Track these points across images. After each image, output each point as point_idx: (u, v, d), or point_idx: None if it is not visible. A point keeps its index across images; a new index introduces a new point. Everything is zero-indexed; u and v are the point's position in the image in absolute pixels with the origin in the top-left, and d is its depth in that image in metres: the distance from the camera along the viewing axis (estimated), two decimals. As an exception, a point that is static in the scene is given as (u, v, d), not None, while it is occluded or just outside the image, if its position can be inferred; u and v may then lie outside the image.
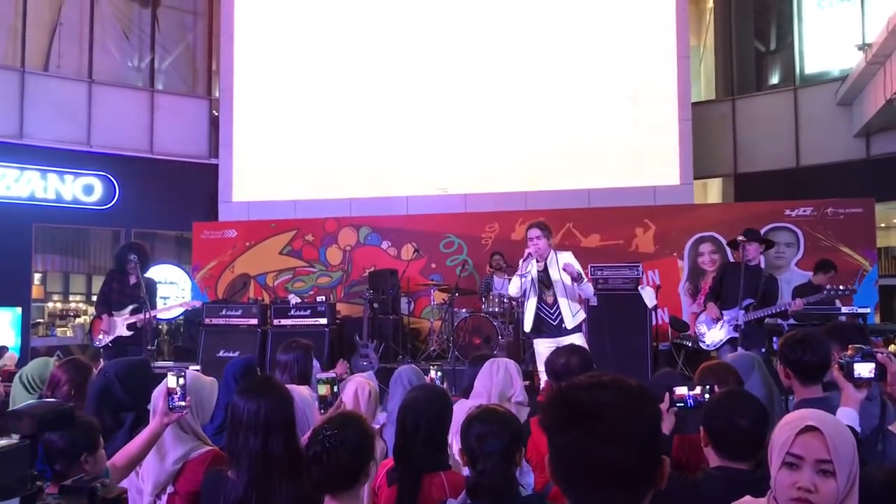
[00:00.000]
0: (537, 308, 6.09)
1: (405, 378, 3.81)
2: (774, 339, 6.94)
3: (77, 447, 2.32)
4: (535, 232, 6.02)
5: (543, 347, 5.90)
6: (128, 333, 7.39)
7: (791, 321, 7.23)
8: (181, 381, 2.71)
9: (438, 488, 2.69)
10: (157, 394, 2.75)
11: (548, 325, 6.04)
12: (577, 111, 11.60)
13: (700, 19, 14.59)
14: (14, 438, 1.39)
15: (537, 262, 6.04)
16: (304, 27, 12.66)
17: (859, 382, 2.76)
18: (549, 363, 3.35)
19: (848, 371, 2.77)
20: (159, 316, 8.94)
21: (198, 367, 8.40)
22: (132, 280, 7.46)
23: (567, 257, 6.07)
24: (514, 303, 9.22)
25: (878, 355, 2.82)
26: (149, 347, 9.37)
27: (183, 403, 2.69)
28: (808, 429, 1.84)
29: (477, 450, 2.40)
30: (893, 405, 3.00)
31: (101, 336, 7.44)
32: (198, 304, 9.27)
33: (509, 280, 9.44)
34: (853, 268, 9.60)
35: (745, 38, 13.73)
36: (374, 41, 12.34)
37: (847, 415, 2.71)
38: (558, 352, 3.40)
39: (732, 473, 2.40)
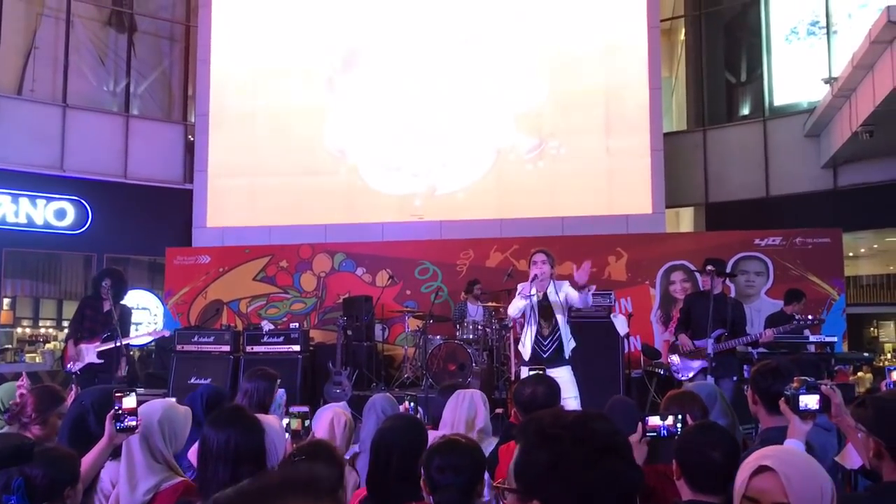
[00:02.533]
0: (534, 338, 6.00)
1: (378, 406, 3.82)
2: (746, 367, 7.02)
3: (59, 482, 2.30)
4: (540, 257, 5.97)
5: None
6: (98, 361, 7.29)
7: (761, 349, 7.34)
8: (129, 402, 2.69)
9: (411, 519, 2.69)
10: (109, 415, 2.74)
11: (537, 355, 5.93)
12: (551, 140, 11.73)
13: (672, 51, 14.86)
14: None
15: (538, 290, 6.01)
16: (280, 53, 12.72)
17: (805, 414, 2.80)
18: (516, 393, 3.38)
19: (794, 403, 2.82)
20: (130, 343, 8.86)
21: (160, 392, 8.34)
22: (105, 307, 7.37)
23: (564, 287, 6.01)
24: (488, 330, 9.25)
25: (822, 387, 2.87)
26: (121, 374, 9.32)
27: (132, 424, 2.67)
28: (763, 469, 1.75)
29: (438, 481, 2.42)
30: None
31: (70, 364, 7.36)
32: (167, 333, 9.16)
33: (483, 308, 9.54)
34: (821, 297, 9.75)
35: (716, 70, 13.99)
36: (349, 67, 12.44)
37: (793, 446, 2.76)
38: (524, 382, 3.44)
39: (705, 509, 2.43)
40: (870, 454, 2.24)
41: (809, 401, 2.79)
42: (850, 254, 12.47)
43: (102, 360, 7.30)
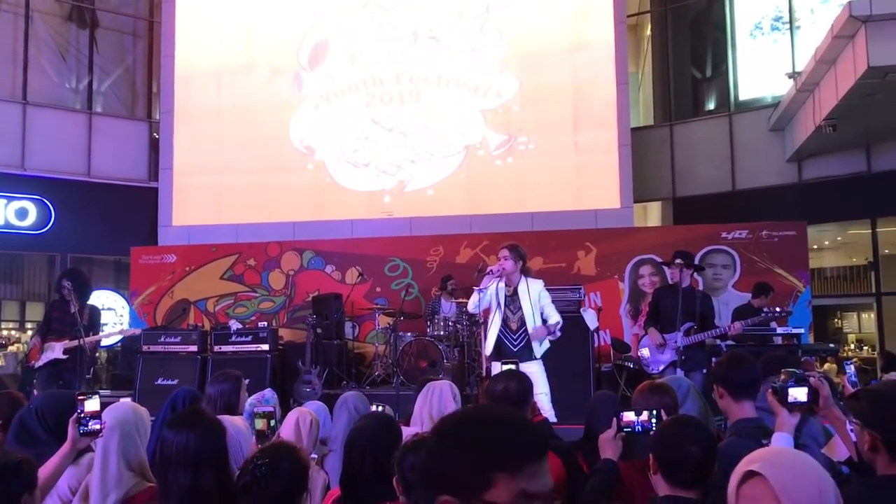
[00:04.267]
0: (500, 332, 5.99)
1: (350, 404, 3.78)
2: (714, 359, 7.08)
3: (16, 489, 2.22)
4: (503, 252, 5.97)
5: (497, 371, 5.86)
6: (63, 357, 7.30)
7: (729, 342, 7.40)
8: (93, 404, 2.61)
9: (385, 519, 2.66)
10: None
11: (508, 349, 5.92)
12: (519, 135, 11.74)
13: (638, 47, 14.94)
14: None
15: (506, 285, 5.98)
16: (246, 48, 12.60)
17: (793, 407, 2.79)
18: (489, 389, 3.36)
19: (782, 396, 2.81)
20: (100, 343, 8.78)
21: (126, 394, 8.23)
22: (72, 308, 7.34)
23: (538, 286, 6.00)
24: (458, 326, 9.23)
25: (811, 379, 2.87)
26: (86, 376, 9.19)
27: (97, 427, 2.59)
28: (751, 475, 1.59)
29: (411, 480, 2.39)
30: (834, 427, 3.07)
31: (34, 361, 7.43)
32: (137, 331, 9.07)
33: (457, 304, 9.51)
34: (787, 289, 9.86)
35: (681, 65, 14.09)
36: (315, 63, 12.35)
37: (782, 439, 2.76)
38: (497, 377, 3.41)
39: (681, 503, 2.42)
40: (864, 447, 2.23)
41: (798, 393, 2.78)
42: (815, 246, 12.62)
43: (67, 357, 7.30)
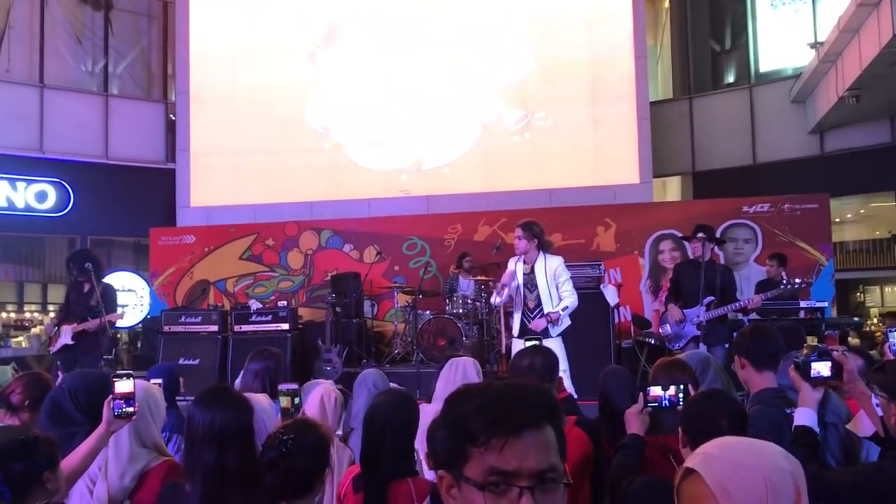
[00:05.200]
0: (522, 310, 5.97)
1: (370, 381, 3.77)
2: (734, 334, 7.01)
3: (38, 467, 2.21)
4: (517, 231, 5.95)
5: (517, 349, 5.83)
6: (71, 342, 7.28)
7: (752, 316, 7.33)
8: (127, 386, 2.60)
9: (405, 495, 2.65)
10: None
11: (525, 328, 5.92)
12: (537, 111, 11.65)
13: (656, 19, 14.73)
14: None
15: (525, 262, 5.96)
16: (261, 28, 12.54)
17: (816, 382, 2.73)
18: (513, 364, 3.33)
19: (805, 371, 2.74)
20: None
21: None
22: (86, 288, 7.39)
23: (555, 263, 5.95)
24: (477, 303, 9.21)
25: (834, 353, 2.80)
26: (106, 357, 9.21)
27: (130, 409, 2.58)
28: (689, 473, 1.41)
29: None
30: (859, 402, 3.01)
31: (53, 345, 7.45)
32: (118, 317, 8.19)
33: (475, 282, 9.49)
34: (810, 263, 9.75)
35: (700, 37, 13.90)
36: (332, 41, 12.28)
37: (805, 415, 2.70)
38: (522, 353, 3.38)
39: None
40: (891, 421, 2.18)
41: (821, 367, 2.70)
42: (837, 219, 12.48)
43: (75, 342, 7.28)
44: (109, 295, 7.59)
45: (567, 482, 1.22)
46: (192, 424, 2.44)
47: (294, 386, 2.89)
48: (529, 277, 5.93)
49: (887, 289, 14.98)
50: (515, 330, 6.00)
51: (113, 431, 2.58)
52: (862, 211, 13.37)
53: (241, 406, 2.50)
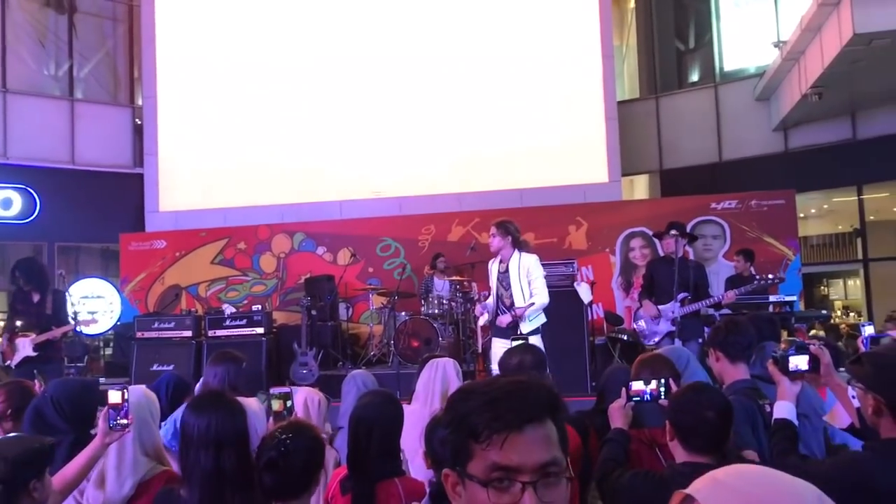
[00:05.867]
0: (497, 309, 6.02)
1: (359, 380, 3.81)
2: (706, 329, 7.14)
3: (24, 475, 2.20)
4: (491, 230, 6.02)
5: (497, 347, 5.87)
6: (33, 353, 6.95)
7: (724, 311, 7.46)
8: (122, 397, 2.60)
9: (394, 495, 2.68)
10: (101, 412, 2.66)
11: (499, 326, 5.98)
12: (506, 113, 11.70)
13: (622, 19, 14.90)
14: None
15: (501, 261, 6.02)
16: (229, 31, 12.45)
17: (794, 375, 2.81)
18: (503, 362, 3.39)
19: (783, 365, 2.82)
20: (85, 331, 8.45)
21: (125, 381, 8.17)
22: (35, 298, 7.11)
23: (529, 260, 5.99)
24: (453, 304, 9.25)
25: (812, 347, 2.89)
26: (78, 364, 9.08)
27: (124, 421, 2.58)
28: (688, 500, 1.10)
29: (441, 455, 2.40)
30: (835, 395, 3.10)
31: (8, 360, 7.04)
32: (68, 328, 7.58)
33: (450, 282, 9.53)
34: (777, 257, 9.95)
35: (666, 37, 14.08)
36: (302, 43, 12.22)
37: (784, 408, 2.78)
38: (511, 351, 3.44)
39: (701, 469, 2.45)
40: (868, 411, 2.26)
41: (799, 361, 2.79)
42: (801, 214, 12.70)
43: (38, 353, 6.97)
44: (60, 302, 7.32)
45: (570, 476, 1.23)
46: (187, 429, 2.45)
47: (287, 389, 2.91)
48: (504, 276, 5.99)
49: (850, 282, 15.28)
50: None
51: (109, 444, 2.58)
52: (825, 206, 13.63)
53: (235, 410, 2.53)
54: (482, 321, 6.18)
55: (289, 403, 2.75)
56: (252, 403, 3.11)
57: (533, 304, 5.88)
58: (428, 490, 2.42)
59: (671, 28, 14.15)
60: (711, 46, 13.22)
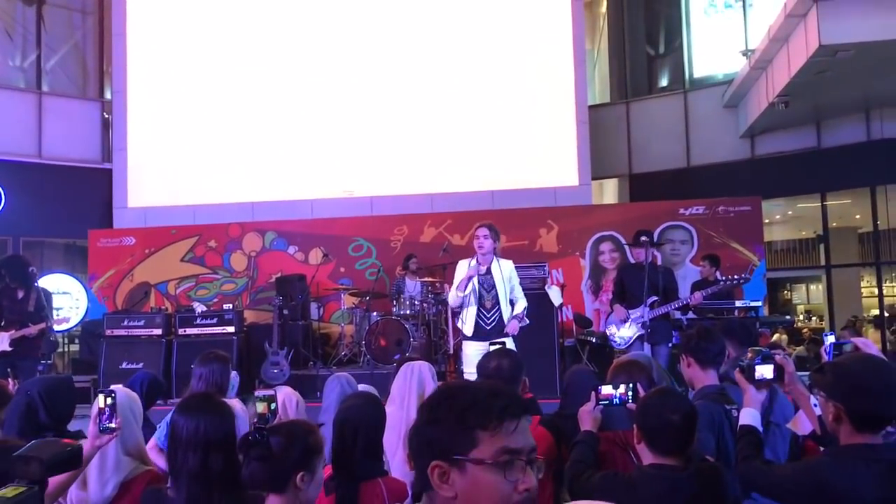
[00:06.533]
0: (477, 312, 6.07)
1: (343, 378, 3.87)
2: (674, 332, 7.30)
3: (7, 478, 2.22)
4: (482, 231, 6.04)
5: (472, 350, 5.92)
6: (8, 349, 7.05)
7: (690, 315, 7.61)
8: (110, 400, 2.62)
9: (377, 495, 2.73)
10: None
11: (481, 328, 6.03)
12: (478, 114, 11.77)
13: (594, 24, 15.06)
14: (22, 485, 1.32)
15: (480, 264, 6.07)
16: (199, 26, 12.34)
17: (760, 384, 2.94)
18: (481, 366, 3.46)
19: (749, 373, 2.94)
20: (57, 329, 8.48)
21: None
22: (19, 294, 7.20)
23: (510, 266, 6.12)
24: (424, 305, 9.31)
25: (777, 357, 3.02)
26: (45, 361, 8.97)
27: (112, 425, 2.60)
28: None
29: (425, 450, 2.46)
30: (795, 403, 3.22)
31: None
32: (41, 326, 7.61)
33: (421, 282, 9.58)
34: (743, 263, 10.14)
35: (637, 42, 14.27)
36: (274, 40, 12.16)
37: (750, 415, 2.89)
38: (489, 355, 3.52)
39: (666, 471, 2.55)
40: (829, 418, 2.36)
41: (765, 370, 2.92)
42: (766, 220, 12.97)
43: (13, 349, 7.07)
44: (48, 299, 7.46)
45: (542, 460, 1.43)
46: (176, 430, 2.48)
47: (271, 392, 2.94)
48: (486, 278, 6.06)
49: (812, 287, 15.63)
50: (469, 330, 6.08)
51: (99, 447, 2.60)
52: (789, 212, 13.92)
53: (223, 412, 2.57)
54: (453, 301, 6.20)
55: (273, 406, 2.80)
56: (234, 405, 3.15)
57: (525, 307, 6.09)
58: (410, 491, 2.47)
59: (642, 33, 14.34)
60: (681, 52, 13.43)
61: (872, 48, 8.38)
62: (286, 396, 3.77)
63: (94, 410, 2.60)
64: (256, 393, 2.92)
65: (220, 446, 2.46)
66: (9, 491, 1.24)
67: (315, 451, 2.30)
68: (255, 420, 2.75)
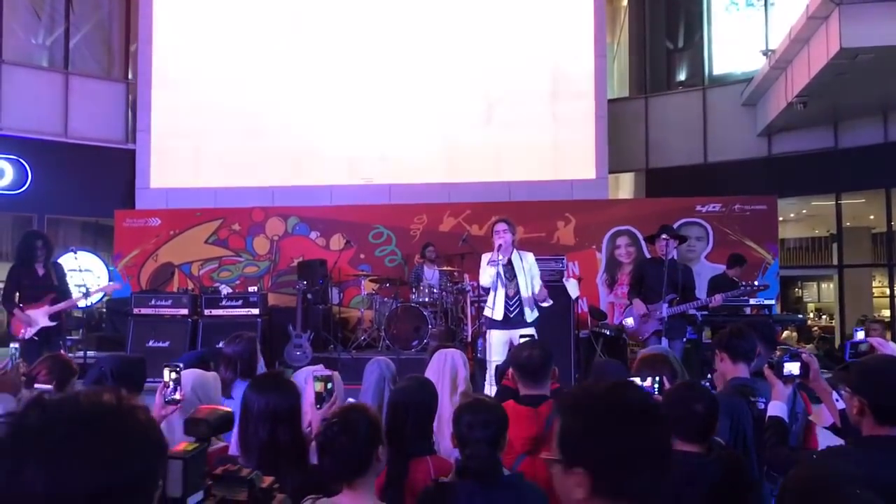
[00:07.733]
0: (504, 300, 6.28)
1: (382, 362, 4.07)
2: (688, 328, 7.48)
3: None
4: (502, 226, 6.28)
5: (496, 338, 6.19)
6: (52, 324, 7.20)
7: (703, 312, 7.78)
8: (174, 375, 2.84)
9: (425, 472, 2.92)
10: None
11: (505, 315, 6.26)
12: (498, 106, 11.91)
13: (614, 18, 15.13)
14: (194, 442, 1.54)
15: (502, 255, 6.27)
16: (225, 11, 12.51)
17: (787, 379, 3.20)
18: (514, 356, 3.68)
19: (778, 370, 3.20)
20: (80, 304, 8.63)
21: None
22: (40, 271, 7.32)
23: (531, 257, 6.40)
24: (443, 293, 9.49)
25: (803, 355, 3.26)
26: (74, 337, 9.21)
27: (177, 396, 2.82)
28: None
29: (466, 436, 2.66)
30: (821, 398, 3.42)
31: (23, 330, 7.11)
32: (116, 286, 8.81)
33: (439, 271, 9.77)
34: (757, 261, 10.29)
35: (657, 37, 14.32)
36: (298, 27, 12.32)
37: (778, 408, 3.14)
38: (522, 346, 3.73)
39: (691, 457, 2.75)
40: (853, 412, 2.56)
41: (792, 367, 3.19)
42: (780, 218, 13.07)
43: (56, 322, 7.25)
44: (64, 274, 7.56)
45: None
46: (248, 405, 2.71)
47: (329, 372, 3.14)
48: (507, 268, 6.28)
49: (824, 285, 15.75)
50: (499, 314, 6.25)
51: (163, 417, 2.81)
52: (804, 211, 14.02)
53: (290, 390, 2.80)
54: (487, 280, 6.41)
55: (329, 386, 2.99)
56: (207, 377, 3.37)
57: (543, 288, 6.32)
58: (455, 467, 2.68)
59: (662, 29, 14.39)
60: (701, 49, 13.50)
61: (893, 52, 8.48)
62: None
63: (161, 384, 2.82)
64: (314, 373, 3.11)
65: (287, 420, 2.69)
66: (187, 445, 1.47)
67: (380, 425, 2.51)
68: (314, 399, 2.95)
